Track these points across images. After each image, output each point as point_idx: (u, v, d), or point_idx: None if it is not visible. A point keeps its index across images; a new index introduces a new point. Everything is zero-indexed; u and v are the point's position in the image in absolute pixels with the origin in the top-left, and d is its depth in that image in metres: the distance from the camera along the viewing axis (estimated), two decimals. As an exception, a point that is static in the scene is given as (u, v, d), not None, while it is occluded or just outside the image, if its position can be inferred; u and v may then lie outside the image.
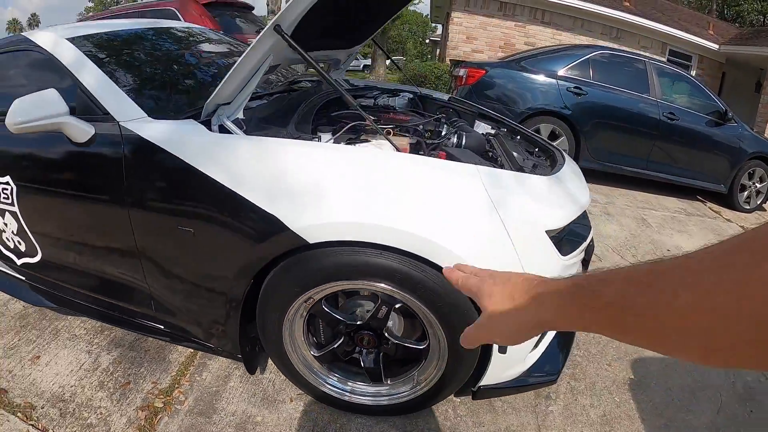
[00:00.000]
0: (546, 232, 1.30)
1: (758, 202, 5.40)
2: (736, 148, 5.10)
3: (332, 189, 1.25)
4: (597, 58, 4.97)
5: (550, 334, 1.62)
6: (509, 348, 1.33)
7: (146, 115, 1.48)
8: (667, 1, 13.13)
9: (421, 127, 2.00)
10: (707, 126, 4.99)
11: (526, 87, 4.80)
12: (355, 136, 1.63)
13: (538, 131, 4.81)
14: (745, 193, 5.31)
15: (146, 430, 1.56)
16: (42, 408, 1.67)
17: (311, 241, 1.23)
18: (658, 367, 2.14)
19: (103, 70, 1.61)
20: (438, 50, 19.20)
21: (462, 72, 4.96)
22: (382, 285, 1.27)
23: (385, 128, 1.74)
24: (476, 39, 10.54)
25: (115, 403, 1.68)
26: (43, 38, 1.77)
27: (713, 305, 0.30)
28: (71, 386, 1.77)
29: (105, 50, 1.79)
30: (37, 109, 1.45)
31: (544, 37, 10.31)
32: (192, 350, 1.92)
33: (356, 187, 1.24)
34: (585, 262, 1.77)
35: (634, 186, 5.27)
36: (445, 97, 2.85)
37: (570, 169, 1.81)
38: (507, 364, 1.43)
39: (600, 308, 0.39)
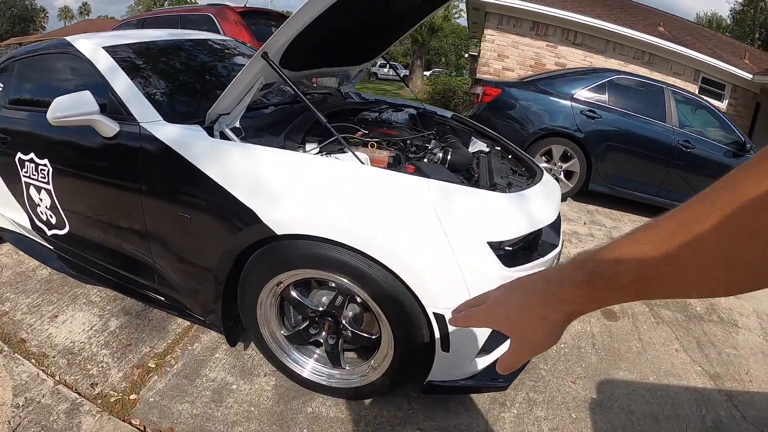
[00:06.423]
0: (488, 243, 1.47)
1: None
2: None
3: (297, 190, 1.47)
4: (614, 83, 5.02)
5: (507, 344, 1.75)
6: (454, 348, 1.50)
7: (162, 118, 1.75)
8: (704, 28, 12.89)
9: (408, 141, 2.20)
10: (724, 156, 4.95)
11: (541, 108, 4.90)
12: (339, 147, 1.85)
13: (550, 152, 4.93)
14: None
15: (138, 385, 1.82)
16: (53, 357, 1.96)
17: (278, 232, 1.46)
18: (625, 391, 2.13)
19: (131, 78, 1.90)
20: (475, 65, 19.33)
21: (479, 90, 5.12)
22: (338, 277, 1.48)
23: (370, 141, 1.96)
24: (507, 57, 10.65)
25: (115, 360, 1.95)
26: (84, 45, 2.07)
27: (709, 256, 0.35)
28: (81, 342, 2.06)
29: (135, 60, 2.09)
30: (74, 107, 1.73)
31: (576, 58, 10.32)
32: (188, 323, 2.18)
33: (315, 190, 1.46)
34: None
35: (647, 212, 5.21)
36: (449, 114, 3.03)
37: (541, 190, 1.93)
38: (453, 363, 1.56)
39: (625, 286, 0.41)
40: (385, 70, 28.54)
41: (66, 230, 2.23)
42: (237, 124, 1.68)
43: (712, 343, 2.66)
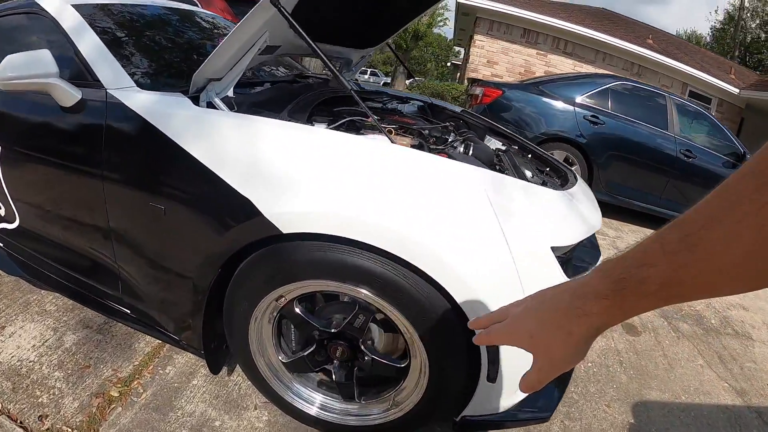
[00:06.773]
0: (551, 248, 1.19)
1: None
2: None
3: (312, 175, 1.15)
4: (617, 89, 4.88)
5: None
6: (501, 377, 1.21)
7: (135, 85, 1.41)
8: (690, 43, 13.13)
9: (426, 131, 1.91)
10: (724, 167, 4.84)
11: (543, 111, 4.71)
12: (353, 131, 1.55)
13: (550, 157, 4.73)
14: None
15: (96, 419, 1.46)
16: (-6, 381, 1.58)
17: (285, 230, 1.12)
18: (660, 413, 2.02)
19: (101, 38, 1.56)
20: (459, 73, 19.32)
21: (478, 91, 4.90)
22: (361, 290, 1.16)
23: (387, 128, 1.66)
24: (497, 63, 10.55)
25: (70, 386, 1.58)
26: (49, 2, 1.73)
27: (745, 246, 0.32)
28: (30, 361, 1.69)
29: (108, 20, 1.74)
30: (28, 67, 1.40)
31: (565, 67, 10.29)
32: (159, 342, 1.83)
33: (338, 176, 1.14)
34: None
35: (645, 222, 5.10)
36: (458, 109, 2.78)
37: (581, 190, 1.71)
38: (495, 395, 1.28)
39: (654, 292, 0.39)
40: (366, 76, 28.37)
41: (16, 224, 1.87)
42: (230, 93, 1.35)
43: (733, 357, 2.65)
